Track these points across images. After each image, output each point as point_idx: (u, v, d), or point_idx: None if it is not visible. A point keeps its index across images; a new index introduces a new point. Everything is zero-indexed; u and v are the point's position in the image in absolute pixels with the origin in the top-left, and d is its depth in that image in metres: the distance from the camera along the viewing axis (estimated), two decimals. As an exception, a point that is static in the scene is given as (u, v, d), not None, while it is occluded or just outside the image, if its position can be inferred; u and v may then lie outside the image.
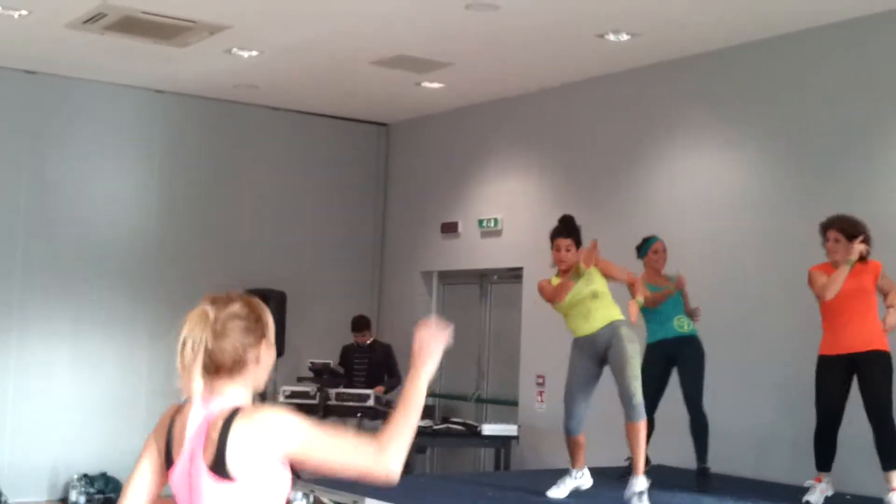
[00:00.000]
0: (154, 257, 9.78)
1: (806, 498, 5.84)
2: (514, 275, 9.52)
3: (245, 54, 8.40)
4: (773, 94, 7.44)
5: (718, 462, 6.90)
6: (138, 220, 9.78)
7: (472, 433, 8.41)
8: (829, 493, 5.90)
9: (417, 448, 8.60)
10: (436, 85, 9.24)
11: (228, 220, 10.21)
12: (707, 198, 7.79)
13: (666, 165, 8.17)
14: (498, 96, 9.57)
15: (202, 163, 10.12)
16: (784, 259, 7.12)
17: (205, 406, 2.34)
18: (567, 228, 5.89)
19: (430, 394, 10.28)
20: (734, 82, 7.72)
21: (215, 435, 2.27)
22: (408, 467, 8.65)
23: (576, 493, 5.91)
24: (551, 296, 5.79)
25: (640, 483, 5.42)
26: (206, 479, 2.28)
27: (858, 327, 5.72)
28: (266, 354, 2.41)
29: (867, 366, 5.69)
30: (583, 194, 8.74)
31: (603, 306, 5.72)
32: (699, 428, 6.44)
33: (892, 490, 5.56)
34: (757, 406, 7.25)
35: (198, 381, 2.32)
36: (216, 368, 2.35)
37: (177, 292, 9.85)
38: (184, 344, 2.34)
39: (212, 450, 2.28)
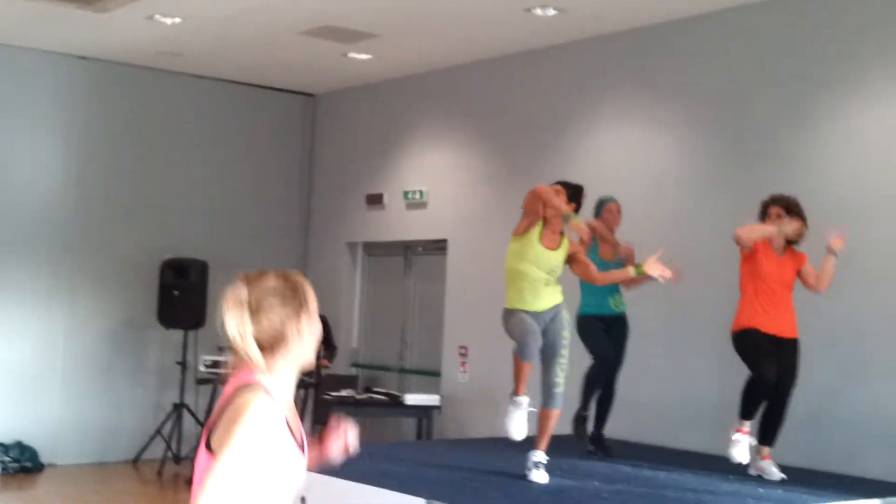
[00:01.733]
0: (74, 225, 9.62)
1: (736, 459, 5.92)
2: (439, 247, 9.58)
3: (168, 21, 8.28)
4: (699, 69, 7.57)
5: (635, 431, 7.08)
6: (59, 187, 9.60)
7: (395, 403, 8.47)
8: (754, 441, 6.01)
9: (340, 418, 8.63)
10: (363, 56, 9.21)
11: (151, 189, 10.08)
12: (634, 171, 7.91)
13: (592, 140, 8.27)
14: (425, 69, 9.58)
15: (125, 130, 9.97)
16: (708, 232, 7.26)
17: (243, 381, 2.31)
18: (569, 185, 5.79)
19: (354, 364, 10.34)
20: (660, 58, 7.84)
21: (220, 410, 2.28)
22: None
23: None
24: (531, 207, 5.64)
25: (538, 455, 5.55)
26: (202, 452, 2.29)
27: (782, 314, 5.93)
28: (308, 327, 2.38)
29: (786, 351, 5.91)
30: (509, 168, 8.82)
31: (552, 291, 5.67)
32: (609, 401, 6.64)
33: (764, 458, 5.91)
34: (679, 377, 7.41)
35: (255, 353, 2.31)
36: (258, 347, 2.33)
37: (97, 261, 9.73)
38: (226, 327, 2.33)
39: (212, 424, 2.28)
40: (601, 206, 6.77)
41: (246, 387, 2.28)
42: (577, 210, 5.73)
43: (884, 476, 6.09)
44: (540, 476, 5.48)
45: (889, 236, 6.43)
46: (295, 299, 2.36)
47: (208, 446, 2.26)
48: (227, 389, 2.32)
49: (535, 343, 5.61)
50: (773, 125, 7.07)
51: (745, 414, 5.97)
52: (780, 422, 5.92)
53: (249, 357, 2.30)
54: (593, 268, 5.82)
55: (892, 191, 6.44)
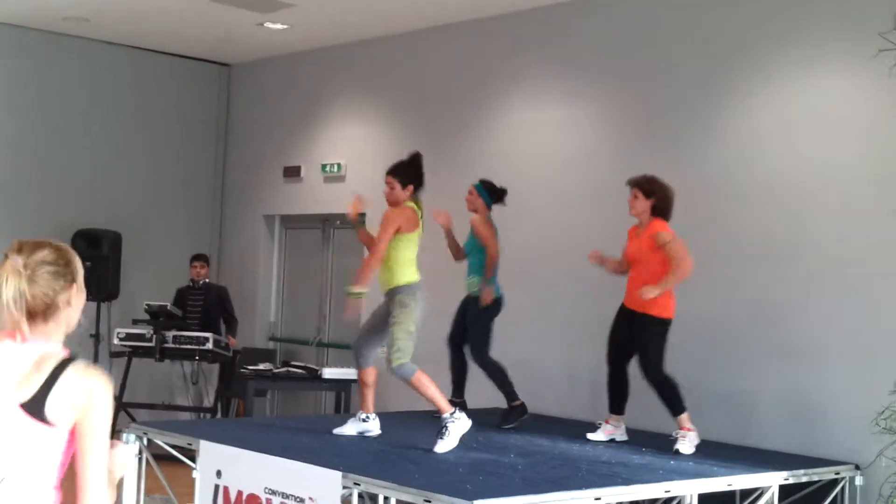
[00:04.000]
0: (-20, 195, 9.36)
1: (592, 436, 6.27)
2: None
3: (78, -16, 8.07)
4: (615, 48, 7.62)
5: (563, 407, 7.16)
6: (-38, 155, 9.32)
7: (313, 377, 8.43)
8: (620, 437, 6.28)
9: (257, 391, 8.58)
10: (279, 26, 9.08)
11: (60, 158, 9.82)
12: (548, 149, 7.95)
13: (509, 116, 8.29)
14: (342, 40, 9.48)
15: (31, 98, 9.69)
16: (621, 210, 7.33)
17: (20, 346, 2.40)
18: (395, 165, 6.17)
19: (272, 338, 10.27)
20: (577, 36, 7.87)
21: (39, 376, 2.35)
22: (247, 410, 8.60)
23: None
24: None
25: (443, 416, 5.73)
26: (16, 414, 2.33)
27: (631, 287, 6.13)
28: (76, 297, 2.50)
29: (636, 326, 6.10)
30: (426, 142, 8.76)
31: (385, 271, 5.93)
32: (491, 375, 6.78)
33: (681, 429, 6.02)
34: (595, 354, 7.50)
35: (24, 325, 2.41)
36: (30, 313, 2.42)
37: (5, 232, 9.46)
38: (3, 294, 2.42)
39: (30, 389, 2.34)
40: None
41: (73, 361, 2.39)
42: (405, 181, 6.07)
43: (787, 448, 6.29)
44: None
45: (790, 215, 6.58)
46: (67, 271, 2.47)
47: (39, 416, 2.33)
48: (27, 356, 2.38)
49: (358, 345, 6.13)
50: (687, 104, 7.15)
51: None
52: (661, 397, 6.08)
53: (18, 324, 2.41)
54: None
55: (797, 172, 6.57)
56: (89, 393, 2.37)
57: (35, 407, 2.33)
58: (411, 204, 6.00)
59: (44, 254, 2.46)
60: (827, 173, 6.43)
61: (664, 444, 6.14)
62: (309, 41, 9.60)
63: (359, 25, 8.98)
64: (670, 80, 7.27)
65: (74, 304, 2.49)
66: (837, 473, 5.98)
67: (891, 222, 5.89)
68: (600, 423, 6.34)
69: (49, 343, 2.44)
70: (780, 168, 6.65)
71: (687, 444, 5.96)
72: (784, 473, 5.68)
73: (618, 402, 6.28)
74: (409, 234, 5.93)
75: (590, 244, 7.43)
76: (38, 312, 2.44)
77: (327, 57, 9.78)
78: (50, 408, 2.34)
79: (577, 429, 6.76)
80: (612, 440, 6.25)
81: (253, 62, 10.55)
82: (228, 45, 10.00)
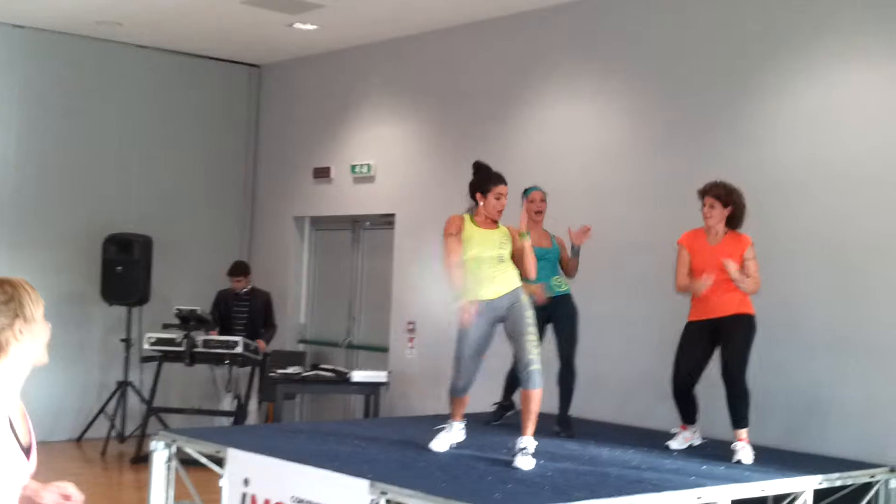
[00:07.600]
0: (13, 199, 9.43)
1: (669, 442, 6.12)
2: (387, 221, 9.50)
3: (107, -10, 8.09)
4: (648, 42, 7.53)
5: (585, 408, 7.09)
6: (-5, 160, 9.39)
7: (342, 380, 8.41)
8: (696, 442, 6.18)
9: (286, 395, 8.57)
10: (309, 26, 9.07)
11: (91, 162, 9.88)
12: (581, 145, 7.88)
13: (540, 112, 8.22)
14: (372, 40, 9.46)
15: (64, 102, 9.75)
16: (656, 207, 7.26)
17: None
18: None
19: (301, 340, 10.24)
20: (609, 30, 7.79)
21: None
22: (276, 415, 8.57)
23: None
24: (455, 230, 5.56)
25: (523, 441, 5.47)
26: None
27: (721, 296, 5.93)
28: (27, 332, 2.49)
29: (728, 329, 5.91)
30: (456, 141, 8.75)
31: (505, 271, 5.58)
32: (570, 380, 6.60)
33: (739, 440, 5.87)
34: (625, 353, 7.43)
35: None
36: None
37: (36, 236, 9.54)
38: None
39: None
40: (524, 195, 6.73)
41: None
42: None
43: (818, 451, 6.20)
44: (524, 462, 5.34)
45: (828, 211, 6.47)
46: (9, 308, 2.47)
47: None
48: None
49: (470, 373, 5.60)
50: (722, 97, 7.05)
51: (681, 416, 6.18)
52: (734, 404, 5.90)
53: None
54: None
55: (833, 168, 6.46)
56: None
57: None
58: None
59: None
60: (864, 165, 6.31)
61: (696, 448, 6.07)
62: (339, 41, 9.58)
63: (388, 24, 8.95)
64: (703, 74, 7.17)
65: (26, 339, 2.49)
66: (872, 476, 5.87)
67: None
68: (676, 431, 6.19)
69: None
70: (816, 161, 6.53)
71: (748, 452, 5.84)
72: (818, 477, 5.57)
73: (692, 413, 6.14)
74: None
75: (624, 239, 7.38)
76: None
77: (357, 56, 9.76)
78: None
79: (605, 431, 6.69)
80: (691, 445, 6.14)
81: (283, 63, 10.55)
82: (258, 46, 10.01)
